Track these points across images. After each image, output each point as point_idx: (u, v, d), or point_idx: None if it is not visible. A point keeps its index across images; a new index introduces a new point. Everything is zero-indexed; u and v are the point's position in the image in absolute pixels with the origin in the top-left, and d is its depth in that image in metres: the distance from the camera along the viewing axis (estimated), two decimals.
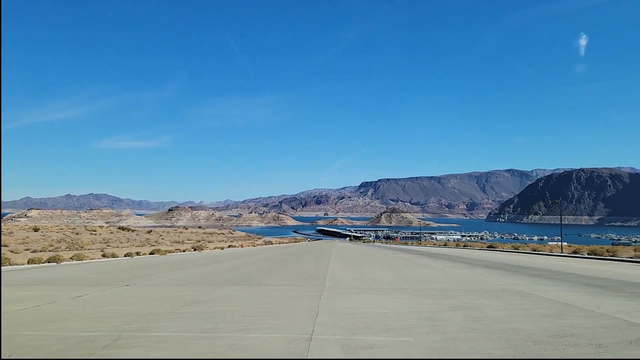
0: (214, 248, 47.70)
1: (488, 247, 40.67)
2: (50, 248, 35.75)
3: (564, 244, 40.66)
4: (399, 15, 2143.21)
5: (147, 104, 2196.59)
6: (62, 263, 21.21)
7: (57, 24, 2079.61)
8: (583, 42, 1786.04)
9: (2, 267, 18.00)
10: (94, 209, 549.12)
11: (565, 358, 5.09)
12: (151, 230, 73.55)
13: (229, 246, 55.00)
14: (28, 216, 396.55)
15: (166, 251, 34.96)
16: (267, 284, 12.62)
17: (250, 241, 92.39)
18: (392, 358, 5.15)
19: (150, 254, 32.38)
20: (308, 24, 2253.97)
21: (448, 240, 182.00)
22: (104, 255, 27.52)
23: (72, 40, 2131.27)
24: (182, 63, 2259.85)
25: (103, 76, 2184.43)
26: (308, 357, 5.09)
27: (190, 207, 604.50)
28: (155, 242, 54.05)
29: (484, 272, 17.81)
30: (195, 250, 41.43)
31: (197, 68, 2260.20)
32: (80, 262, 22.30)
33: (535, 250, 29.53)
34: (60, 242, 38.16)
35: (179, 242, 56.25)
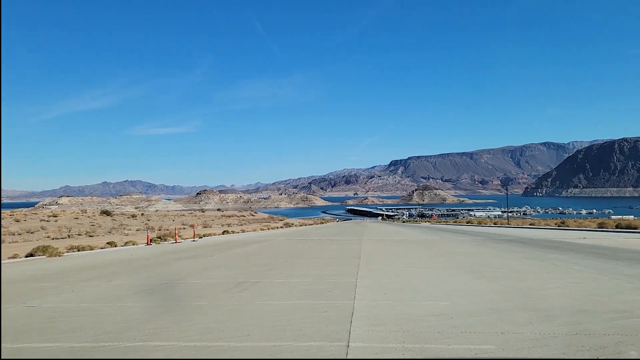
0: (196, 235, 32.40)
1: None
2: None
3: None
4: None
5: (176, 89, 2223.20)
6: None
7: (85, 12, 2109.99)
8: None
9: None
10: (125, 195, 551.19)
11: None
12: (141, 214, 59.58)
13: (223, 232, 39.82)
14: (59, 203, 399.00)
15: (76, 248, 19.78)
16: None
17: (266, 224, 77.72)
18: None
19: (27, 256, 17.23)
20: (332, 1, 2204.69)
21: (487, 217, 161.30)
22: None
23: (100, 29, 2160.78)
24: (208, 46, 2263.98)
25: (132, 64, 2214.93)
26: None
27: (219, 191, 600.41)
28: (124, 230, 39.82)
29: None
30: (160, 239, 26.19)
31: (223, 50, 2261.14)
32: None
33: None
34: None
35: (152, 228, 41.65)
